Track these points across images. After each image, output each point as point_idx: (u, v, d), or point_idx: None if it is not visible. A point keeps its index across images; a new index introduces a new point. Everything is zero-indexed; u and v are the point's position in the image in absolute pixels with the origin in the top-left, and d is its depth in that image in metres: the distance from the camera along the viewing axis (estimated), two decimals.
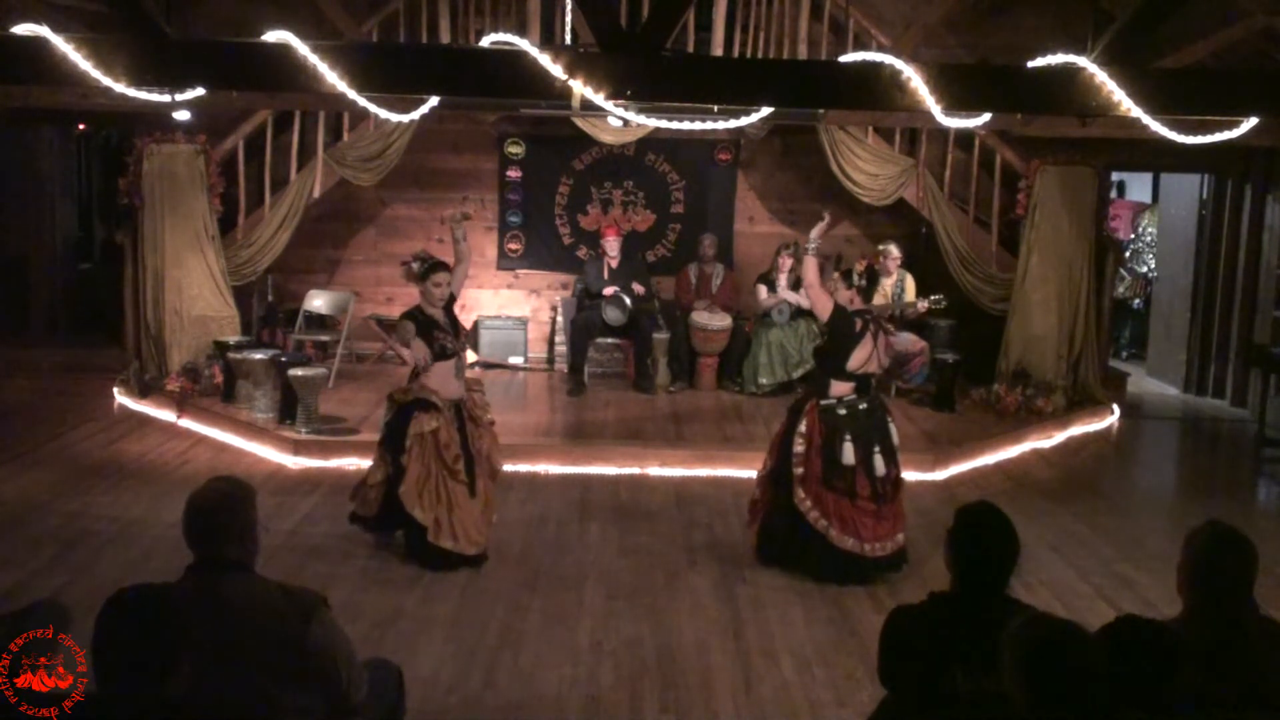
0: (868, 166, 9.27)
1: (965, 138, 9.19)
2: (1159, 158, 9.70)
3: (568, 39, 8.20)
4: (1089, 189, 8.98)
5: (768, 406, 8.50)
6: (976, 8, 9.34)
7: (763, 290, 9.18)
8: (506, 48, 4.96)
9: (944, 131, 8.89)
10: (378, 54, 5.39)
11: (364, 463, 7.12)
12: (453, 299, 5.64)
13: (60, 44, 4.59)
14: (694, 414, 8.50)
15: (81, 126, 10.73)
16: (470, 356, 9.05)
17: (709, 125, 8.10)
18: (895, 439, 5.54)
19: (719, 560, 5.71)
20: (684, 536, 6.14)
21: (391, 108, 7.41)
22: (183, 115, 8.42)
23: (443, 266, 5.53)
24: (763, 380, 9.02)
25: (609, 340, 9.50)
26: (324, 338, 9.52)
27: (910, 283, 9.08)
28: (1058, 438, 8.39)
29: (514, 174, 10.13)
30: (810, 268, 5.51)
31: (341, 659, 2.82)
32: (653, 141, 9.72)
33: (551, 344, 10.07)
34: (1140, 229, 12.08)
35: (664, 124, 7.76)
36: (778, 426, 5.70)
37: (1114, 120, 5.26)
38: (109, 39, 4.71)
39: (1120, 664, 2.37)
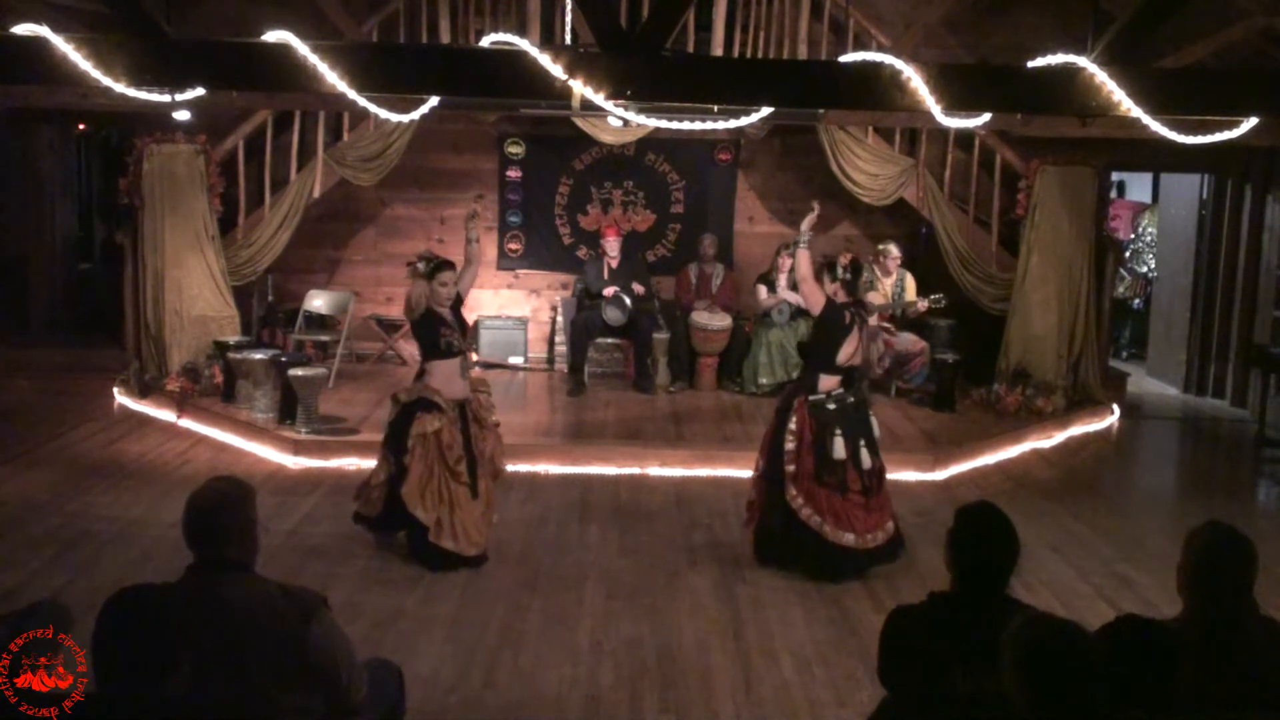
0: (868, 166, 9.27)
1: (965, 138, 9.19)
2: (1159, 158, 9.70)
3: (568, 39, 8.20)
4: (1089, 189, 8.97)
5: (767, 406, 8.41)
6: (976, 8, 9.34)
7: (763, 290, 9.18)
8: (506, 48, 4.96)
9: (944, 131, 8.89)
10: (378, 54, 5.39)
11: (364, 463, 7.15)
12: (459, 300, 5.64)
13: (60, 44, 4.59)
14: (694, 414, 8.50)
15: (81, 126, 10.73)
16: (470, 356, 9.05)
17: (709, 125, 8.10)
18: (877, 431, 5.62)
19: (719, 560, 5.70)
20: (684, 536, 6.14)
21: (391, 108, 7.41)
22: (183, 115, 8.42)
23: (449, 265, 5.53)
24: (763, 380, 9.03)
25: (609, 340, 9.50)
26: (324, 338, 9.52)
27: (910, 283, 9.09)
28: (1058, 438, 8.39)
29: (514, 174, 10.14)
30: (803, 261, 5.49)
31: (341, 659, 2.82)
32: (653, 141, 9.72)
33: (551, 344, 10.07)
34: (1140, 229, 12.08)
35: (664, 124, 7.76)
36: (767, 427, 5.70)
37: (1114, 120, 5.26)
38: (109, 39, 4.71)
39: (1120, 664, 2.37)
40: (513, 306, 10.26)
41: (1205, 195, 10.33)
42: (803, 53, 8.80)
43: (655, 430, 7.99)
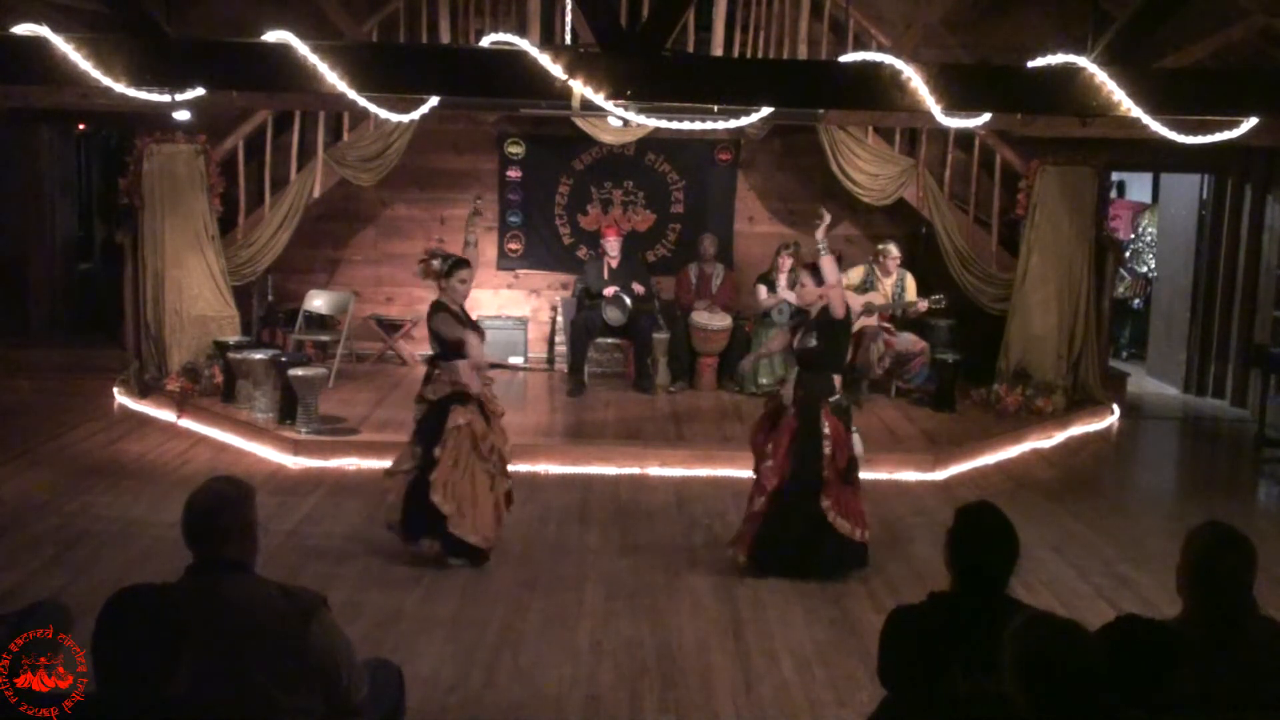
0: (868, 166, 9.27)
1: (965, 138, 9.19)
2: (1159, 158, 9.70)
3: (568, 39, 8.20)
4: (1089, 189, 8.97)
5: None
6: (976, 7, 9.34)
7: (762, 290, 9.18)
8: (506, 48, 4.96)
9: (944, 131, 8.89)
10: (378, 54, 5.39)
11: (364, 463, 7.17)
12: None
13: (60, 44, 4.59)
14: (694, 414, 8.50)
15: (81, 126, 10.72)
16: None
17: (709, 125, 8.10)
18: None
19: (719, 560, 5.69)
20: (684, 536, 6.14)
21: (391, 108, 7.41)
22: (183, 115, 8.41)
23: (465, 264, 5.52)
24: (763, 380, 9.01)
25: (609, 340, 9.50)
26: (324, 338, 9.52)
27: (910, 282, 9.08)
28: (1058, 438, 8.39)
29: (514, 174, 10.13)
30: (829, 268, 5.39)
31: (341, 659, 2.82)
32: (653, 141, 9.72)
33: (551, 344, 10.07)
34: (1140, 229, 12.08)
35: (664, 124, 7.77)
36: (767, 438, 5.55)
37: (1114, 120, 5.26)
38: (109, 39, 4.71)
39: (1120, 664, 2.37)
40: (513, 306, 10.25)
41: (1205, 195, 10.33)
42: (803, 53, 8.80)
43: (655, 430, 7.99)
